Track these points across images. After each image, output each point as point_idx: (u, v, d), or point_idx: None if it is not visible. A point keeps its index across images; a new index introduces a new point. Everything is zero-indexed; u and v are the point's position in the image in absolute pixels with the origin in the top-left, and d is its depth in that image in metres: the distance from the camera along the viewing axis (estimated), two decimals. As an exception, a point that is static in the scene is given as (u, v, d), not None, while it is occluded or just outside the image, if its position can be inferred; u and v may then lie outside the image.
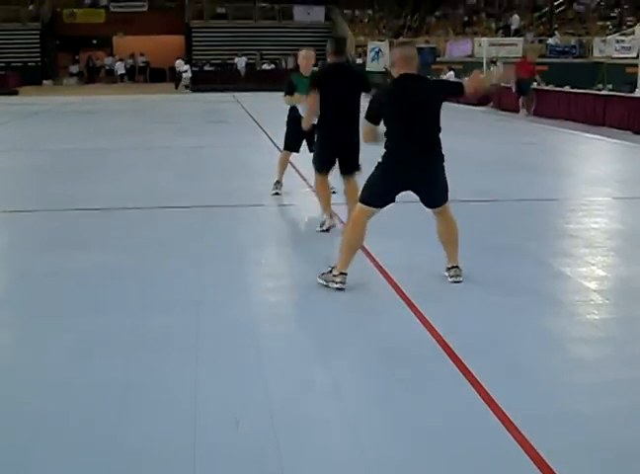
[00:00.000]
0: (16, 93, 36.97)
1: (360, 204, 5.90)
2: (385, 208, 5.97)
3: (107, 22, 46.49)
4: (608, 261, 7.00)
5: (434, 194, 5.95)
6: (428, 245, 6.46)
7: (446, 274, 6.08)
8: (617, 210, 9.61)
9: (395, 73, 5.90)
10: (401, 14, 47.04)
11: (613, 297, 5.97)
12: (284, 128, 9.67)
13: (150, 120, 23.26)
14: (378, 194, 5.83)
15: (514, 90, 22.13)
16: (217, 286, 6.11)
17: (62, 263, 6.80)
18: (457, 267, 6.09)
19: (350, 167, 7.51)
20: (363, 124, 6.01)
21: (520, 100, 22.16)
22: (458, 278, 6.04)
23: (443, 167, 5.89)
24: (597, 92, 21.27)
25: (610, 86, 22.13)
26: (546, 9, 41.47)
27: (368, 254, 6.61)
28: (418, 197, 5.99)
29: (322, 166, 7.68)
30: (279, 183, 9.85)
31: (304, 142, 9.34)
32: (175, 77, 42.43)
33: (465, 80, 6.21)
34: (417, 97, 5.79)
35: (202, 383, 4.27)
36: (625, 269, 6.72)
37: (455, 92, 6.14)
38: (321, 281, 5.91)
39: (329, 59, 7.59)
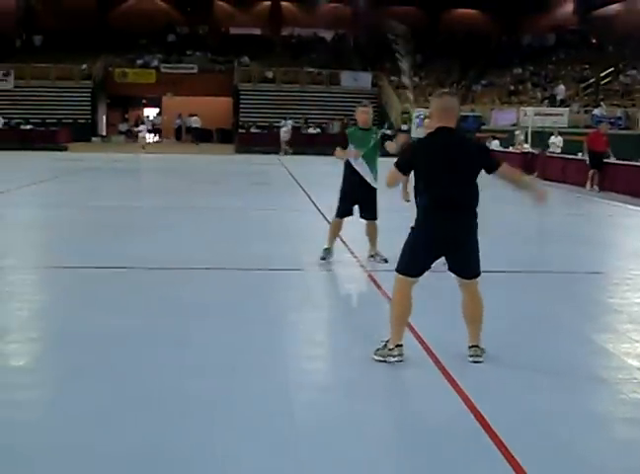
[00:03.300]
0: (65, 149, 37.73)
1: (398, 275, 5.74)
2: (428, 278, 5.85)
3: (157, 82, 47.38)
4: (653, 338, 6.83)
5: (470, 263, 5.70)
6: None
7: (467, 352, 5.82)
8: (663, 286, 9.42)
9: (432, 125, 5.69)
10: (447, 82, 47.40)
11: (658, 376, 5.81)
12: (334, 194, 9.67)
13: (194, 180, 23.54)
14: (414, 263, 5.65)
15: (587, 162, 21.69)
16: (253, 351, 6.04)
17: (99, 323, 6.78)
18: (478, 346, 5.83)
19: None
20: (391, 171, 5.75)
21: (590, 173, 21.58)
22: (478, 359, 5.78)
23: (477, 234, 5.65)
24: (642, 164, 21.13)
25: (656, 158, 21.96)
26: (592, 80, 41.54)
27: (409, 325, 6.49)
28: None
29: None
30: (328, 250, 9.65)
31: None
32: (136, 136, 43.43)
33: (505, 165, 5.77)
34: (454, 154, 5.56)
35: (234, 451, 4.20)
36: (671, 347, 6.54)
37: (489, 170, 5.70)
38: (378, 358, 5.74)
39: None
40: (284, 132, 39.27)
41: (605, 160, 21.57)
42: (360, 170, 9.24)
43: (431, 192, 5.59)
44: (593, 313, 7.74)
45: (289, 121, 41.45)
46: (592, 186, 21.32)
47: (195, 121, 47.12)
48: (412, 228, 5.70)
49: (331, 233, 9.67)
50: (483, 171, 5.68)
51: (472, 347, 5.84)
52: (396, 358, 5.69)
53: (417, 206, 5.70)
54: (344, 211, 9.52)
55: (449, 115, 5.62)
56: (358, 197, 9.37)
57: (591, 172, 21.36)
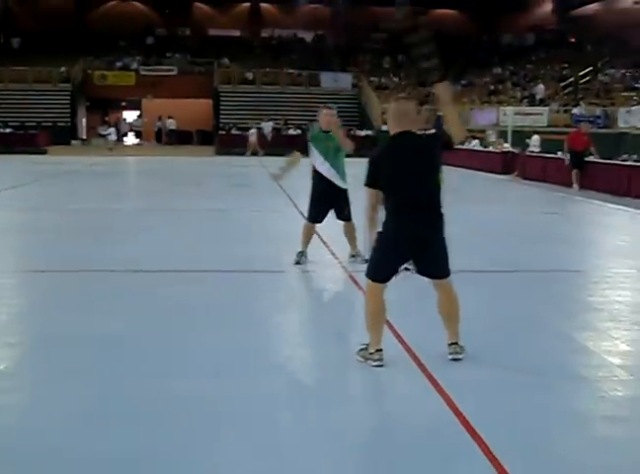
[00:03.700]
0: (45, 152, 37.53)
1: (368, 281, 5.74)
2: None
3: (137, 84, 47.23)
4: (633, 335, 6.84)
5: (438, 262, 5.70)
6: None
7: (447, 350, 5.85)
8: (643, 283, 9.46)
9: (391, 130, 5.68)
10: (427, 82, 47.46)
11: (638, 373, 5.82)
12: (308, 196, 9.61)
13: (174, 182, 23.48)
14: (384, 267, 5.66)
15: (566, 163, 21.59)
16: (236, 353, 6.03)
17: (81, 326, 6.76)
18: (457, 343, 5.86)
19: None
20: (367, 192, 5.73)
21: (574, 173, 21.34)
22: (458, 356, 5.81)
23: (444, 234, 5.66)
24: (622, 162, 21.20)
25: (635, 156, 22.03)
26: (571, 79, 41.74)
27: (389, 325, 6.48)
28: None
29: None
30: (302, 253, 9.61)
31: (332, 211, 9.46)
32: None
33: (450, 131, 5.71)
34: (415, 157, 5.57)
35: (218, 454, 4.19)
36: (651, 344, 6.58)
37: (447, 148, 5.77)
38: (359, 359, 5.76)
39: None
40: (252, 134, 39.36)
41: (586, 159, 21.57)
42: (326, 174, 9.24)
43: (396, 196, 5.59)
44: (573, 311, 7.76)
45: (270, 123, 41.39)
46: (578, 186, 21.12)
47: (170, 124, 47.26)
48: (379, 233, 5.68)
49: (304, 237, 9.61)
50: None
51: (451, 344, 5.86)
52: (376, 363, 5.67)
53: (385, 211, 5.68)
54: (315, 217, 9.48)
55: (406, 119, 5.62)
56: (328, 200, 9.32)
57: (574, 172, 21.24)
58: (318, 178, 9.33)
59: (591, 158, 21.57)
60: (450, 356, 5.81)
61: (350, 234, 9.58)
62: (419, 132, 5.82)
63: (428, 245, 5.64)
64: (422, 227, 5.58)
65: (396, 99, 5.91)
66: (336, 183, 9.26)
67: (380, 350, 5.71)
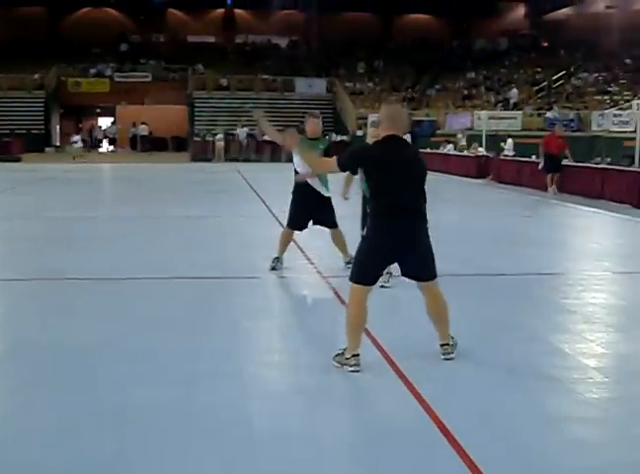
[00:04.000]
0: (19, 159, 37.28)
1: (353, 285, 5.73)
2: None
3: (111, 91, 47.02)
4: (608, 337, 6.88)
5: (423, 265, 5.76)
6: (425, 319, 6.33)
7: (439, 350, 5.95)
8: (617, 285, 9.53)
9: (381, 133, 5.69)
10: (401, 87, 47.62)
11: (613, 375, 5.87)
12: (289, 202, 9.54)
13: (150, 189, 23.39)
14: (369, 271, 5.67)
15: (540, 167, 21.47)
16: (211, 362, 6.01)
17: (54, 334, 6.72)
18: (448, 344, 5.95)
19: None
20: (328, 161, 5.84)
21: (549, 177, 21.21)
22: (450, 355, 5.91)
23: (429, 237, 5.72)
24: (595, 165, 21.34)
25: (609, 159, 22.21)
26: (545, 83, 42.03)
27: (366, 331, 6.48)
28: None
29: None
30: (277, 259, 9.55)
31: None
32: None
33: None
34: (407, 162, 5.64)
35: (193, 463, 4.17)
36: (625, 345, 6.63)
37: None
38: (336, 364, 5.75)
39: None
40: (219, 140, 39.43)
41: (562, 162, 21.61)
42: (310, 181, 9.19)
43: (385, 199, 5.62)
44: (547, 314, 7.79)
45: (245, 129, 41.33)
46: (554, 189, 21.02)
47: (142, 130, 47.17)
48: (363, 236, 5.71)
49: (281, 243, 9.53)
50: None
51: (443, 345, 5.94)
52: (352, 368, 5.67)
53: (369, 214, 5.71)
54: (296, 224, 9.39)
55: (397, 121, 5.67)
56: (311, 208, 9.18)
57: (549, 175, 21.20)
58: (302, 184, 9.27)
59: (565, 161, 21.66)
60: (443, 357, 5.92)
61: (338, 241, 9.48)
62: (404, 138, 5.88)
63: (413, 247, 5.67)
64: (407, 232, 5.61)
65: (387, 101, 5.94)
66: (319, 190, 9.21)
67: (357, 355, 5.71)
